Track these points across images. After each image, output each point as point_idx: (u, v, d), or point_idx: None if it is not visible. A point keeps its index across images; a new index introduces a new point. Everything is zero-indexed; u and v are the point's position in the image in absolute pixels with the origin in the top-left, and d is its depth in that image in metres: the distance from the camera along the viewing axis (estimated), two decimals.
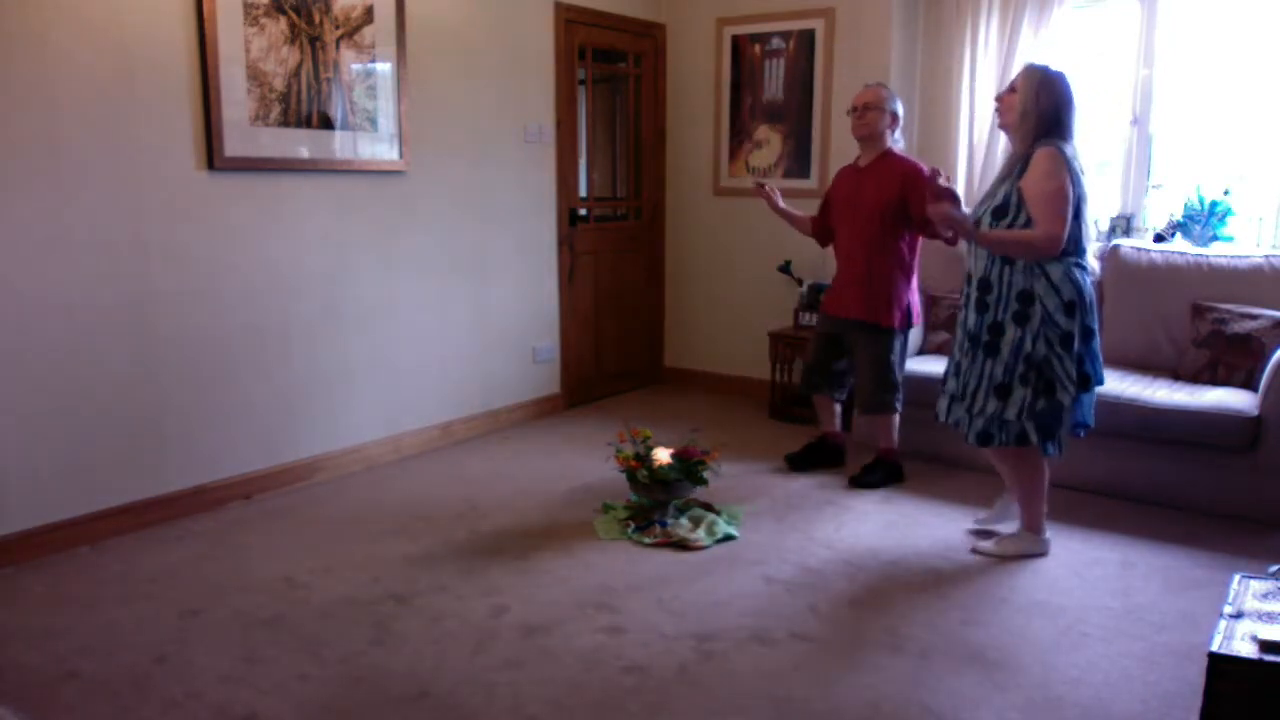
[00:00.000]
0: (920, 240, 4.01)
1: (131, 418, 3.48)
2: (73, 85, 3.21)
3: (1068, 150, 3.05)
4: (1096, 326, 3.15)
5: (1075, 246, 3.08)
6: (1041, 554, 3.36)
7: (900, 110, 4.00)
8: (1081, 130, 3.17)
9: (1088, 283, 3.11)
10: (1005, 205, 3.09)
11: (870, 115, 3.93)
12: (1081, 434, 3.30)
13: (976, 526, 3.60)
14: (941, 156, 5.06)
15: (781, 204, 4.17)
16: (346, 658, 2.63)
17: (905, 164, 3.92)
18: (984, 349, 3.17)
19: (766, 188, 4.11)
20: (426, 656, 2.64)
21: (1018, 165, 3.11)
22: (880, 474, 4.09)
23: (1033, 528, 3.37)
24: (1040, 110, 3.07)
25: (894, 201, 3.88)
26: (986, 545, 3.41)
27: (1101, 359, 3.18)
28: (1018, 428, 3.14)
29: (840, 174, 4.17)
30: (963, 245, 3.44)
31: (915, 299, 4.05)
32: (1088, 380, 3.11)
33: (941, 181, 3.10)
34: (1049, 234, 2.99)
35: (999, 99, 3.25)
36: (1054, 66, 3.17)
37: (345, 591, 3.04)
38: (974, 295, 3.21)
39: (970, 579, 3.15)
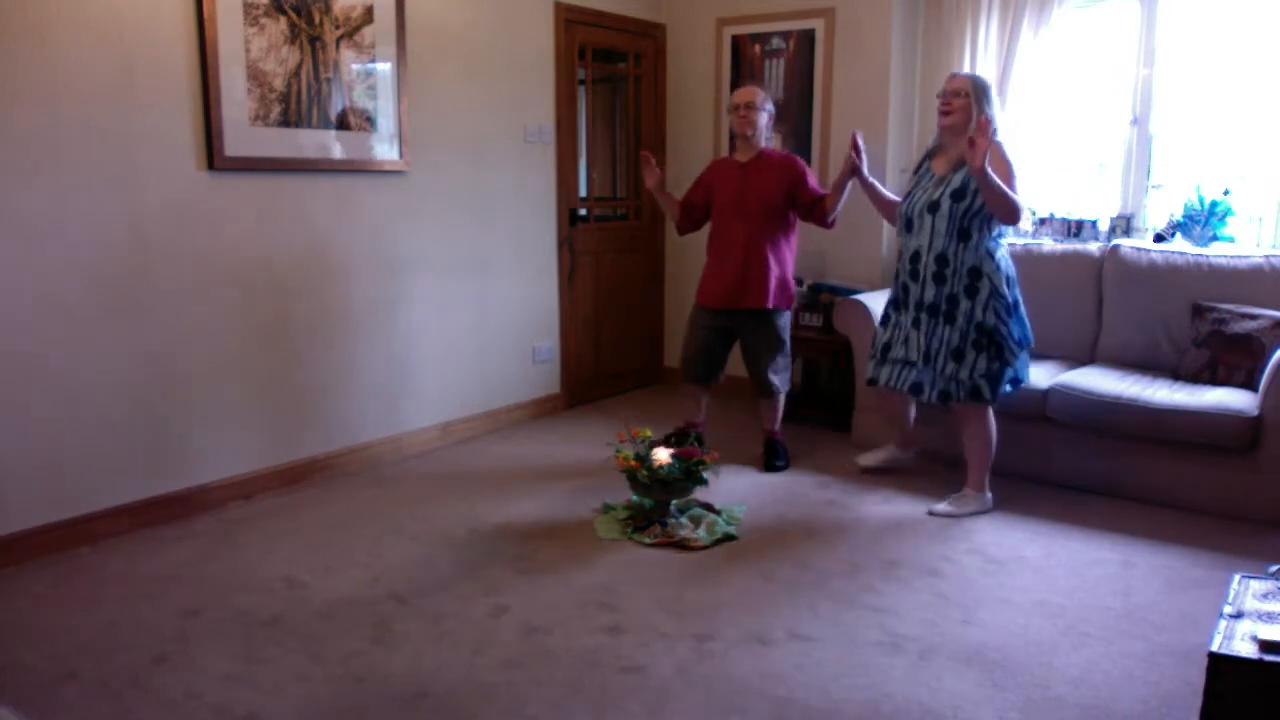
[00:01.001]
0: (797, 224, 4.22)
1: (131, 418, 3.48)
2: (73, 85, 3.21)
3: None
4: (1021, 299, 3.71)
5: (1007, 230, 3.70)
6: (988, 510, 3.75)
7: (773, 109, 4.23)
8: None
9: (1013, 264, 3.71)
10: (964, 189, 3.54)
11: (753, 115, 4.09)
12: (1016, 388, 3.74)
13: (869, 463, 4.19)
14: None
15: (662, 184, 4.22)
16: (346, 658, 2.63)
17: (782, 157, 4.17)
18: (943, 318, 3.62)
19: (653, 161, 4.18)
20: (426, 656, 2.64)
21: (960, 161, 3.57)
22: (784, 455, 4.34)
23: (979, 486, 3.77)
24: (983, 113, 3.55)
25: (783, 195, 4.08)
26: (941, 507, 3.75)
27: (1028, 323, 3.72)
28: (970, 385, 3.60)
29: (720, 167, 4.23)
30: (888, 227, 3.93)
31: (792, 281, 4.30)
32: (1023, 343, 3.65)
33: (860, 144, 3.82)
34: (1019, 204, 3.50)
35: (947, 102, 3.62)
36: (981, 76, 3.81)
37: (345, 591, 3.04)
38: (932, 269, 3.62)
39: (970, 579, 3.15)
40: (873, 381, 3.89)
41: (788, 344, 4.30)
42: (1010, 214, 3.46)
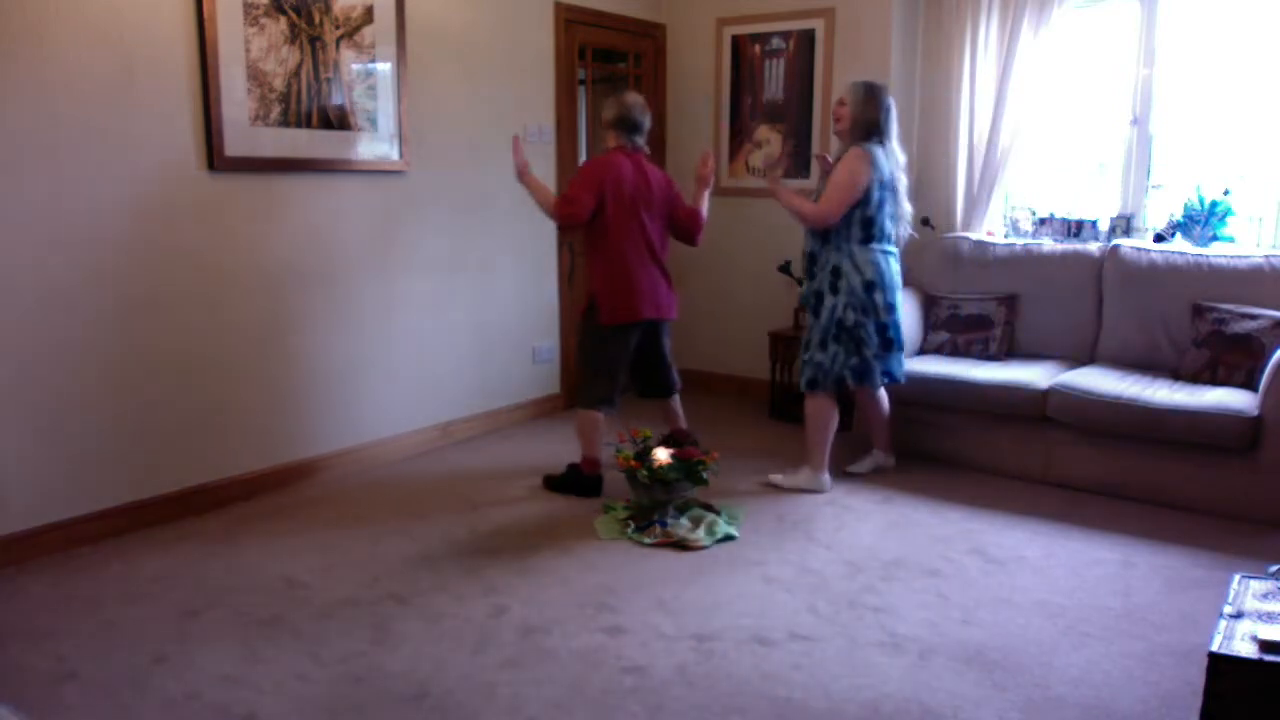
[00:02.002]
0: (598, 228, 3.86)
1: (131, 418, 3.48)
2: (73, 85, 3.21)
3: (878, 152, 3.73)
4: (897, 302, 3.88)
5: (880, 234, 3.80)
6: (820, 490, 3.97)
7: (609, 116, 3.91)
8: (898, 133, 3.86)
9: (890, 266, 3.83)
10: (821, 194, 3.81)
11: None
12: (886, 381, 3.99)
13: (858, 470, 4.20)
14: (942, 156, 5.06)
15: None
16: (346, 658, 2.63)
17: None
18: (812, 311, 3.91)
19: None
20: (426, 656, 2.64)
21: (837, 158, 3.81)
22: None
23: (815, 466, 3.99)
24: (866, 119, 3.75)
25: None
26: (776, 477, 4.05)
27: (903, 328, 3.95)
28: (836, 375, 3.87)
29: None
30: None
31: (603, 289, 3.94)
32: (891, 344, 3.88)
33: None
34: (820, 211, 3.76)
35: (834, 111, 3.86)
36: (877, 80, 3.88)
37: (345, 591, 3.04)
38: (806, 266, 3.93)
39: (970, 579, 3.15)
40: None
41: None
42: (802, 222, 3.86)
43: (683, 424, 4.18)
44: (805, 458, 4.03)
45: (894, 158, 3.81)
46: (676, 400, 4.19)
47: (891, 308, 3.85)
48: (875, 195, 3.74)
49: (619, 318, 3.80)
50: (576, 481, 3.93)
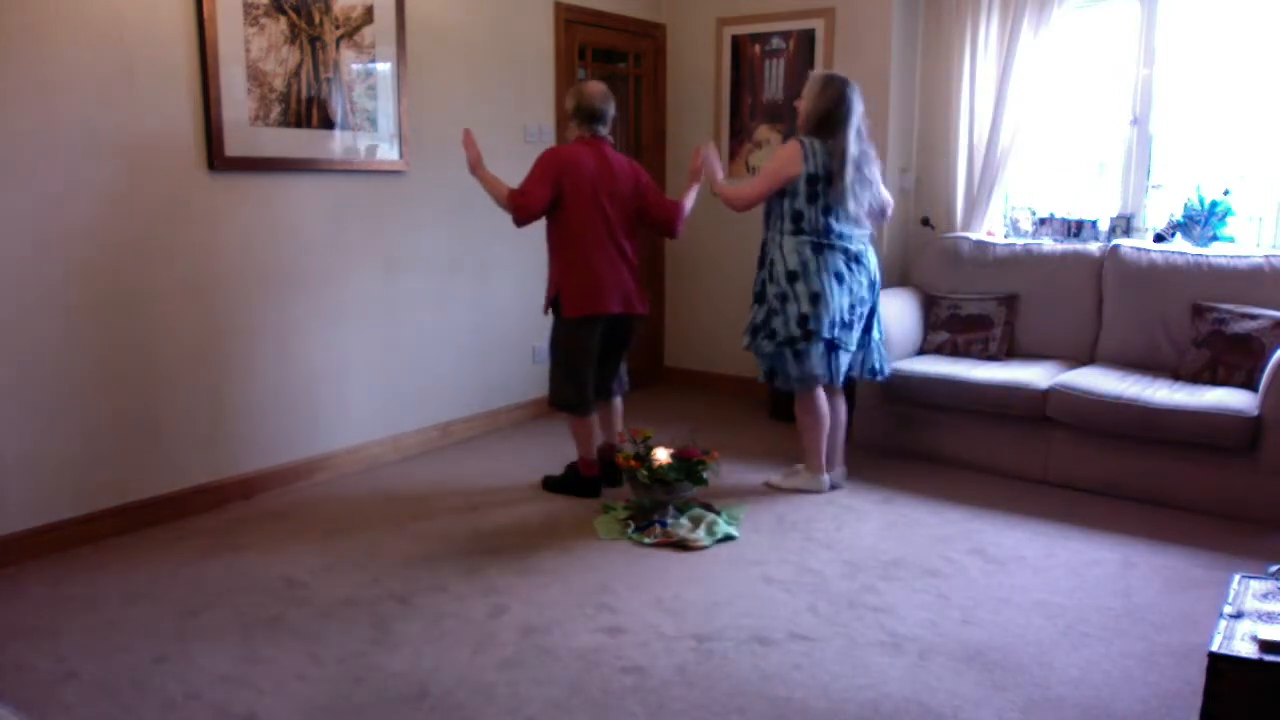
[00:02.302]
0: (558, 221, 3.79)
1: (131, 418, 3.48)
2: (73, 85, 3.21)
3: (809, 145, 3.71)
4: (826, 291, 3.75)
5: (809, 227, 3.75)
6: (819, 490, 3.96)
7: (571, 105, 3.81)
8: (863, 125, 3.79)
9: (824, 258, 3.75)
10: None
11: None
12: (821, 382, 3.88)
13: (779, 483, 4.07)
14: (942, 156, 5.06)
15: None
16: (346, 658, 2.63)
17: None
18: (755, 298, 3.93)
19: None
20: (426, 656, 2.64)
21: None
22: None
23: (811, 468, 3.97)
24: (816, 112, 3.75)
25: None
26: (775, 479, 4.05)
27: (830, 320, 3.77)
28: (765, 365, 3.91)
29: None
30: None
31: (567, 283, 3.83)
32: (811, 335, 3.76)
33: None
34: (741, 194, 3.82)
35: (795, 105, 3.89)
36: (839, 73, 3.90)
37: (345, 591, 3.04)
38: (758, 255, 3.96)
39: (970, 579, 3.15)
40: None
41: None
42: (726, 203, 3.89)
43: (617, 429, 4.03)
44: (802, 458, 4.03)
45: (851, 149, 3.69)
46: (619, 404, 4.08)
47: (817, 298, 3.73)
48: (803, 188, 3.70)
49: (583, 309, 3.72)
50: (575, 482, 3.93)
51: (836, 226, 3.75)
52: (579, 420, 3.86)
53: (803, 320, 3.75)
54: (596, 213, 3.69)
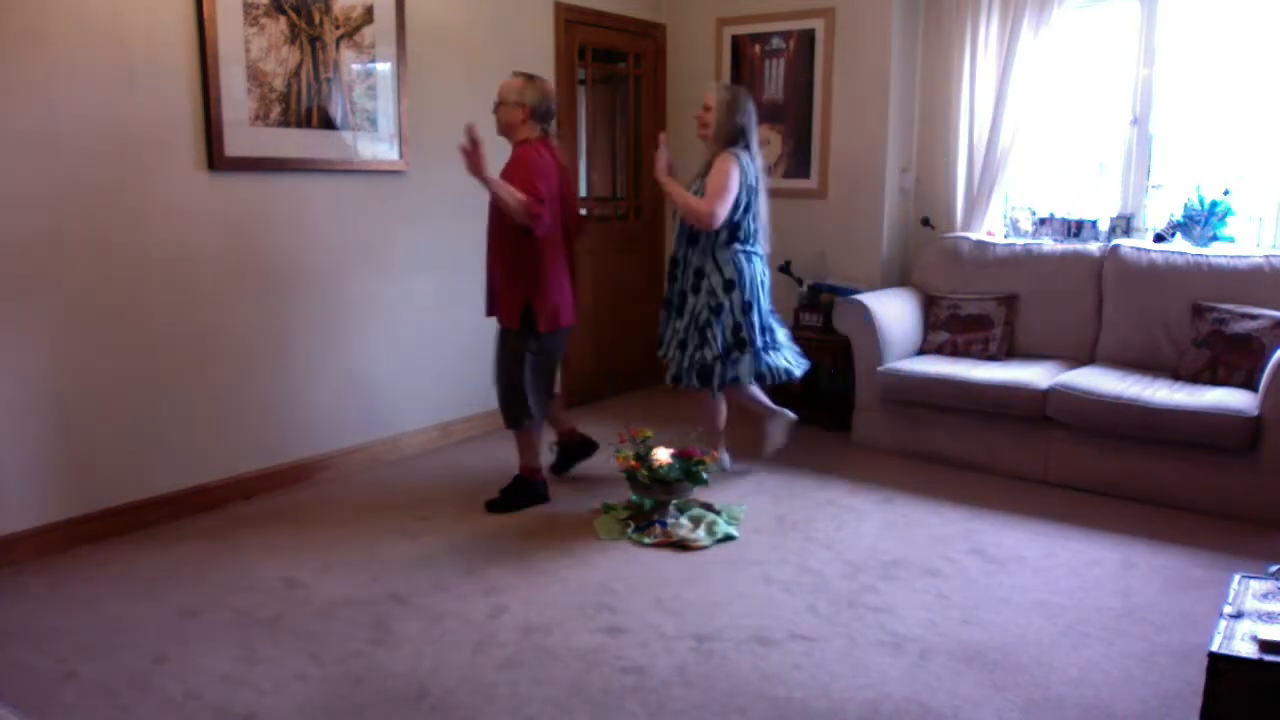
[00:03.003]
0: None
1: (131, 418, 3.48)
2: (73, 85, 3.21)
3: (744, 157, 3.84)
4: (757, 301, 3.92)
5: (745, 235, 3.88)
6: (724, 471, 4.12)
7: (534, 101, 3.54)
8: (757, 140, 3.97)
9: (753, 266, 3.90)
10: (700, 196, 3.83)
11: (500, 111, 3.58)
12: (755, 382, 4.04)
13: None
14: (941, 156, 5.06)
15: (487, 171, 3.33)
16: (346, 658, 2.63)
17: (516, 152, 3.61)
18: (675, 311, 3.97)
19: (473, 130, 3.30)
20: (426, 656, 2.64)
21: (705, 167, 3.88)
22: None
23: (716, 447, 4.04)
24: (734, 124, 3.84)
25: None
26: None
27: (762, 327, 3.96)
28: (690, 375, 3.93)
29: (545, 157, 3.53)
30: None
31: (542, 302, 3.61)
32: (745, 344, 3.90)
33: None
34: (709, 209, 3.76)
35: (697, 116, 3.94)
36: (741, 87, 4.05)
37: (345, 591, 3.04)
38: (669, 269, 4.01)
39: (970, 579, 3.15)
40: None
41: None
42: (693, 219, 3.80)
43: (564, 413, 4.23)
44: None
45: (757, 161, 3.92)
46: (559, 401, 4.22)
47: (749, 306, 3.88)
48: (742, 199, 3.81)
49: (558, 322, 3.61)
50: (528, 491, 3.79)
51: (758, 234, 3.95)
52: (535, 431, 3.79)
53: (736, 329, 3.88)
54: (556, 219, 3.56)
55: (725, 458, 4.19)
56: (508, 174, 3.47)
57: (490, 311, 3.80)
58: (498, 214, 3.56)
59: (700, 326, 3.88)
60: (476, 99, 4.62)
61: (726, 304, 3.85)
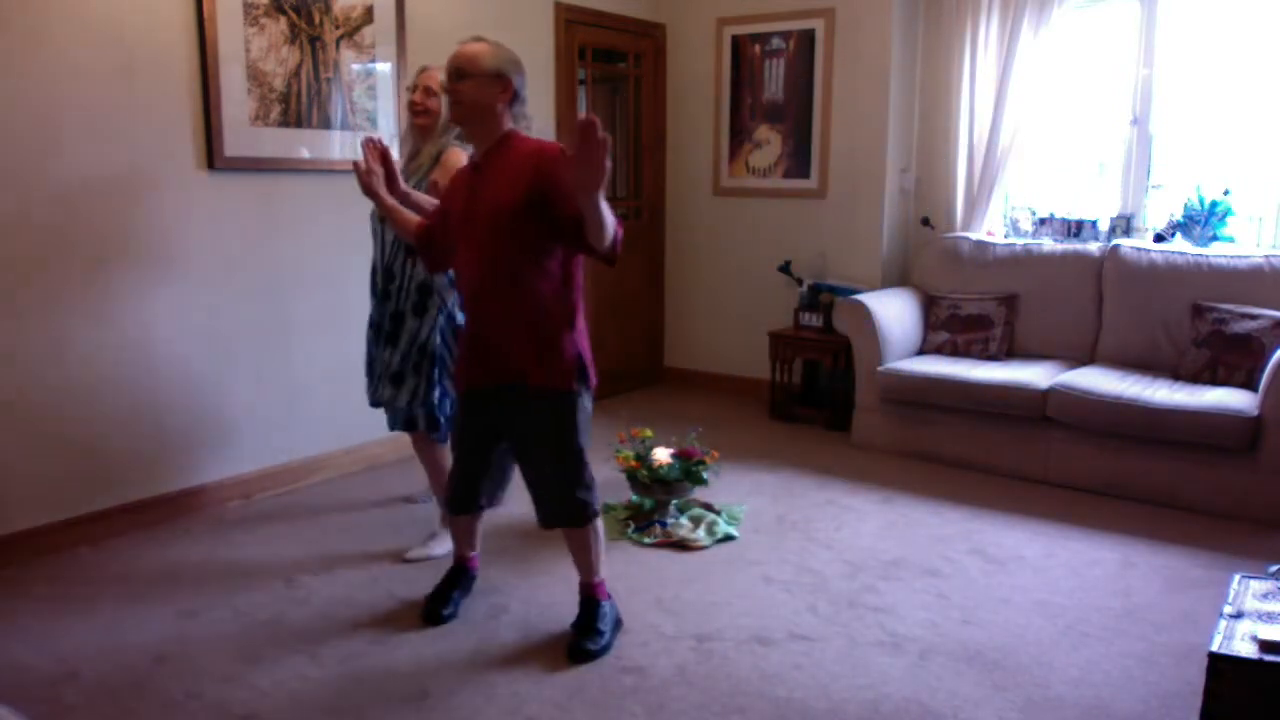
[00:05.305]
0: (581, 261, 2.59)
1: (132, 417, 3.48)
2: (73, 85, 3.21)
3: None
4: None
5: None
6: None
7: (514, 75, 2.57)
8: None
9: None
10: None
11: (463, 87, 2.52)
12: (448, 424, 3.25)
13: (413, 557, 3.30)
14: (942, 156, 5.06)
15: (382, 191, 2.77)
16: (346, 658, 2.63)
17: (535, 145, 2.56)
18: (386, 339, 3.19)
19: (371, 143, 2.79)
20: (426, 656, 2.64)
21: (431, 160, 3.13)
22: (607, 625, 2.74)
23: (446, 521, 3.23)
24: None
25: (524, 203, 2.45)
26: (416, 551, 3.28)
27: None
28: (407, 414, 3.22)
29: (458, 172, 2.77)
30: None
31: (585, 346, 2.63)
32: None
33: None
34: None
35: (414, 103, 3.14)
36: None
37: (345, 591, 3.04)
38: (379, 284, 3.20)
39: (970, 579, 3.15)
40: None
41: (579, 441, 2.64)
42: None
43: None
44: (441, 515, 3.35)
45: None
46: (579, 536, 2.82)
47: None
48: None
49: (596, 374, 2.69)
50: (612, 617, 2.78)
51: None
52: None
53: None
54: (459, 254, 2.69)
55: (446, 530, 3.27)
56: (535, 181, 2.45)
57: (481, 379, 2.65)
58: (516, 246, 2.49)
59: (431, 354, 3.16)
60: None
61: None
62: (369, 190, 2.76)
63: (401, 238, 2.87)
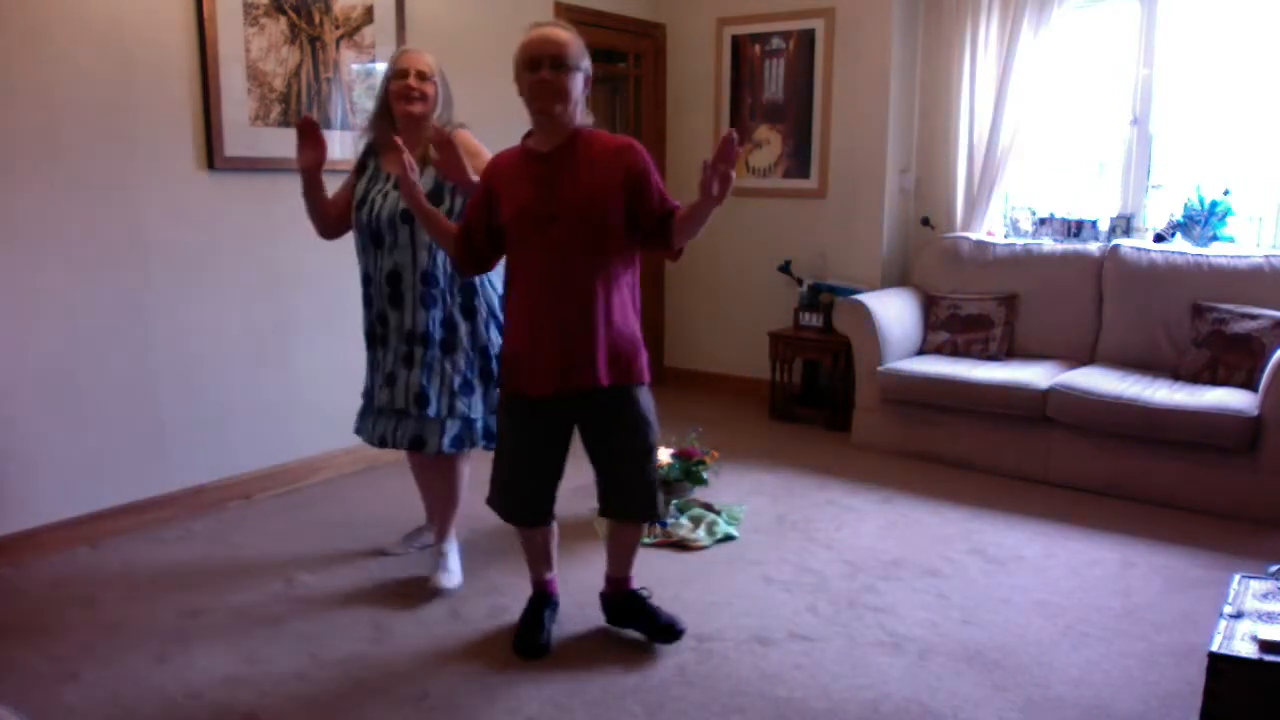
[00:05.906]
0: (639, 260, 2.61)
1: (131, 418, 3.48)
2: (73, 85, 3.21)
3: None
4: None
5: None
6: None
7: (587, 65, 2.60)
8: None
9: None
10: (439, 193, 2.85)
11: (564, 78, 2.58)
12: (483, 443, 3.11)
13: (394, 551, 3.30)
14: (942, 156, 5.06)
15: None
16: (346, 658, 2.63)
17: (615, 140, 2.54)
18: (440, 346, 2.91)
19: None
20: (426, 656, 2.64)
21: (427, 150, 2.85)
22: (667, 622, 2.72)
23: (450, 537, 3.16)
24: (450, 98, 3.04)
25: (622, 199, 2.45)
26: (440, 579, 3.04)
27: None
28: (481, 424, 3.01)
29: (502, 163, 2.58)
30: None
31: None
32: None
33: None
34: None
35: (410, 88, 2.90)
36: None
37: (345, 591, 3.04)
38: (419, 289, 2.87)
39: (970, 579, 3.15)
40: (359, 433, 3.18)
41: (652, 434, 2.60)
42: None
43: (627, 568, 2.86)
44: (444, 534, 3.18)
45: None
46: (634, 531, 2.83)
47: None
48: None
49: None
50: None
51: None
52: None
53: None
54: (524, 253, 2.56)
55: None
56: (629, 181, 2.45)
57: (556, 384, 2.46)
58: (608, 242, 2.45)
59: (491, 358, 3.02)
60: (476, 99, 4.62)
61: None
62: (412, 194, 2.52)
63: (437, 242, 2.66)
